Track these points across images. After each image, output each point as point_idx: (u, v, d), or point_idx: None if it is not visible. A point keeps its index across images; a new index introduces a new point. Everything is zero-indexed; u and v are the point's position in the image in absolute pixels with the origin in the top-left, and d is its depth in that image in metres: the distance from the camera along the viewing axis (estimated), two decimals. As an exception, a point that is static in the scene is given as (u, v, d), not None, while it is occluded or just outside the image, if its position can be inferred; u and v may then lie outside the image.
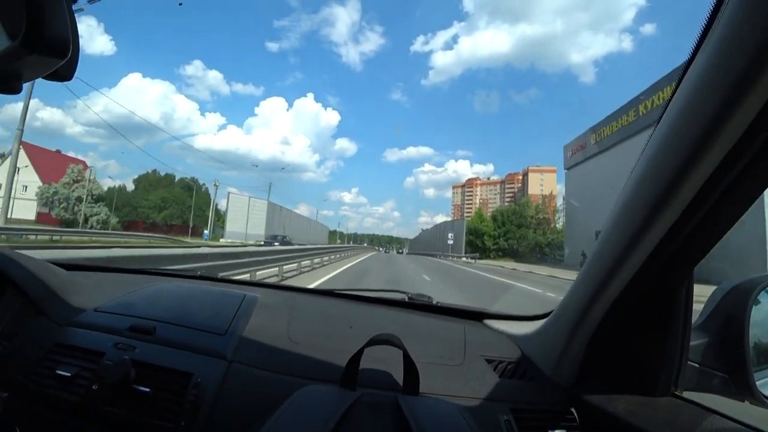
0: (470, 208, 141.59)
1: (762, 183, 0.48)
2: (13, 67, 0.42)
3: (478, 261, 37.32)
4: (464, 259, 40.60)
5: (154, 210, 53.88)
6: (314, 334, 0.92)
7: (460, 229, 51.88)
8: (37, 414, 0.78)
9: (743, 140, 0.43)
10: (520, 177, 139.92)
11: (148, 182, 57.75)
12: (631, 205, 0.55)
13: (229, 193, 45.04)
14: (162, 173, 60.02)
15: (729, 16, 0.40)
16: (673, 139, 0.48)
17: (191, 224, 48.11)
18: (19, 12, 0.39)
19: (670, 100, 0.49)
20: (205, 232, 42.45)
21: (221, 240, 36.78)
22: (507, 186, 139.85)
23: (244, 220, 41.42)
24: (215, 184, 45.78)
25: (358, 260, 20.30)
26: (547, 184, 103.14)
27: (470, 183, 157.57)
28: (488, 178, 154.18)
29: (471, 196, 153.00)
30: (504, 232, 52.35)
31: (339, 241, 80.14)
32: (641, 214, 0.53)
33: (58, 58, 0.41)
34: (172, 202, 54.42)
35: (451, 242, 47.29)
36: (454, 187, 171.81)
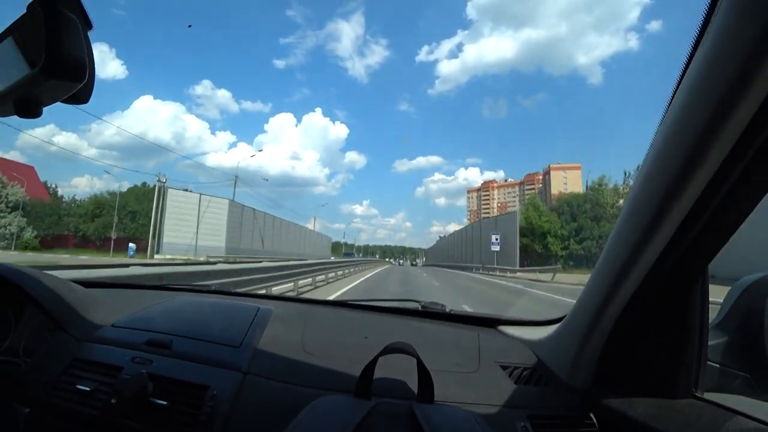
0: (487, 212, 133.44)
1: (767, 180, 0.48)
2: (34, 92, 0.45)
3: (557, 276, 19.24)
4: (518, 274, 23.22)
5: (84, 219, 39.78)
6: (328, 345, 0.93)
7: (510, 227, 33.04)
8: (57, 428, 0.80)
9: (747, 135, 0.43)
10: (540, 177, 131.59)
11: (134, 196, 50.09)
12: (639, 204, 0.55)
13: (163, 187, 28.33)
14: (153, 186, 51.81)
15: (723, 15, 0.41)
16: (676, 136, 0.48)
17: (114, 236, 34.96)
18: (39, 39, 0.42)
19: (672, 97, 0.49)
20: (131, 245, 30.73)
21: (156, 257, 25.85)
22: (527, 187, 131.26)
23: (191, 227, 27.89)
24: (159, 180, 28.59)
25: (355, 282, 13.13)
26: (571, 181, 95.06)
27: (486, 186, 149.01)
28: (505, 180, 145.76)
29: (488, 200, 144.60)
30: (576, 229, 36.41)
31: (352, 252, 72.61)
32: (650, 213, 0.53)
33: (76, 82, 0.44)
34: (108, 209, 39.37)
35: (496, 248, 30.97)
36: (468, 192, 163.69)
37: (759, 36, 0.37)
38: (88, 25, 0.45)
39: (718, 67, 0.41)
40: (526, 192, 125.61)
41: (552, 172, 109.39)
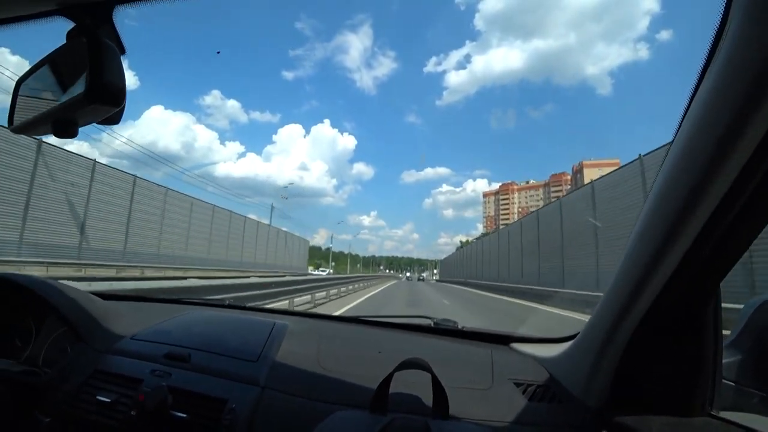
0: (506, 218, 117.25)
1: None
2: (73, 115, 0.47)
3: None
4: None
5: None
6: (344, 360, 0.93)
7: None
8: None
9: (759, 152, 0.42)
10: (569, 178, 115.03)
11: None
12: (652, 222, 0.55)
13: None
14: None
15: (736, 29, 0.40)
16: (689, 154, 0.48)
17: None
18: (79, 65, 0.44)
19: (685, 112, 0.49)
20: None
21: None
22: (552, 188, 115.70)
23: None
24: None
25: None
26: (609, 180, 78.87)
27: (505, 189, 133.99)
28: (527, 182, 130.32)
29: (507, 204, 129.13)
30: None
31: (327, 268, 56.80)
32: (663, 231, 0.53)
33: (114, 106, 0.46)
34: None
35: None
36: (485, 195, 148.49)
37: None
38: (123, 51, 0.47)
39: (731, 83, 0.41)
40: (553, 194, 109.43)
41: (585, 170, 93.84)
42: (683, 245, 0.52)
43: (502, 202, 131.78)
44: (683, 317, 0.63)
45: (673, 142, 0.50)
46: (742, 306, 0.82)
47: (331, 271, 61.07)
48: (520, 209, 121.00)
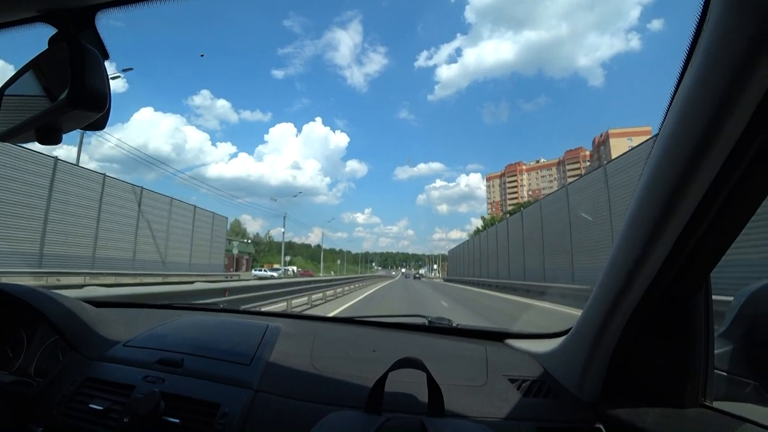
0: (515, 202, 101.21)
1: (764, 187, 0.48)
2: (57, 121, 0.47)
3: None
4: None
5: None
6: (338, 361, 0.93)
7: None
8: None
9: (741, 144, 0.43)
10: (587, 153, 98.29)
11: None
12: (640, 215, 0.56)
13: None
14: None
15: (714, 23, 0.40)
16: (673, 147, 0.48)
17: None
18: (62, 71, 0.44)
19: (669, 105, 0.49)
20: None
21: None
22: (568, 165, 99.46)
23: None
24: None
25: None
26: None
27: (512, 170, 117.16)
28: (537, 161, 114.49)
29: (515, 186, 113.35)
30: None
31: (287, 267, 41.27)
32: (650, 223, 0.53)
33: (97, 111, 0.46)
34: None
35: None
36: (488, 178, 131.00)
37: (754, 37, 0.37)
38: (106, 56, 0.47)
39: (712, 75, 0.41)
40: (569, 173, 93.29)
41: (612, 140, 77.84)
42: (671, 237, 0.52)
43: (509, 185, 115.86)
44: (674, 309, 0.64)
45: (658, 134, 0.50)
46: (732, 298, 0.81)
47: (296, 269, 45.75)
48: (530, 191, 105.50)
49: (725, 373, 0.72)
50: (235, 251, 30.09)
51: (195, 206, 27.41)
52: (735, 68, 0.38)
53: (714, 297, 0.66)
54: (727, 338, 0.76)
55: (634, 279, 0.59)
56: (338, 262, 78.38)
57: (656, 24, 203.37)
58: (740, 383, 0.72)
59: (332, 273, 62.18)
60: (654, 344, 0.68)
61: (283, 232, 36.39)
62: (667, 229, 0.52)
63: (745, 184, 0.47)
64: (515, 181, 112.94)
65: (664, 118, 0.50)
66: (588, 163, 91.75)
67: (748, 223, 0.52)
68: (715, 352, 0.67)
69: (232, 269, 38.61)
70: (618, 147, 71.19)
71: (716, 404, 0.65)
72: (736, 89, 0.39)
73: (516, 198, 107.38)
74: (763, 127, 0.42)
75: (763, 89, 0.39)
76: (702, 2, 0.42)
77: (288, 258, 43.59)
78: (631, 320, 0.65)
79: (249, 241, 58.95)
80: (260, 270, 38.28)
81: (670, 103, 0.48)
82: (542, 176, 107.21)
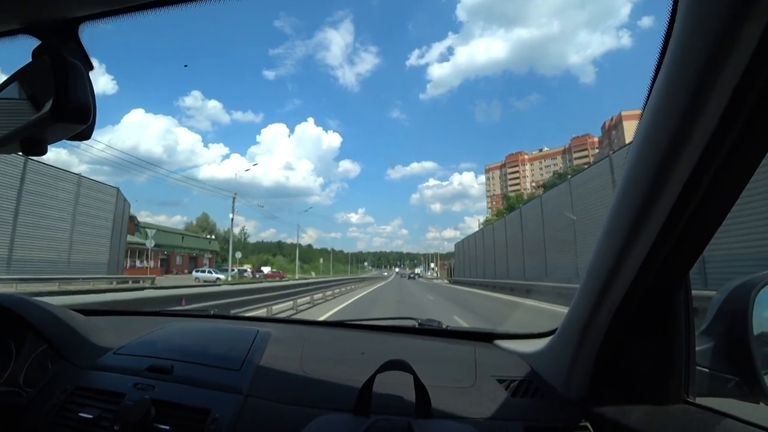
0: (517, 194, 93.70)
1: (739, 184, 0.49)
2: (41, 133, 0.47)
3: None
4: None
5: None
6: (327, 365, 0.93)
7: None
8: None
9: (713, 143, 0.44)
10: (596, 140, 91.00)
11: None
12: (619, 213, 0.57)
13: None
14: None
15: (682, 26, 0.41)
16: (649, 143, 0.49)
17: None
18: (45, 83, 0.44)
19: (645, 104, 0.50)
20: None
21: None
22: (575, 152, 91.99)
23: None
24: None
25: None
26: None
27: (513, 160, 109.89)
28: (540, 150, 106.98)
29: (516, 177, 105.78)
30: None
31: (235, 267, 32.55)
32: (630, 221, 0.54)
33: (81, 123, 0.46)
34: None
35: None
36: (487, 170, 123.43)
37: (714, 45, 0.38)
38: (90, 67, 0.48)
39: (682, 73, 0.42)
40: (576, 161, 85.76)
41: (625, 123, 70.87)
42: (650, 235, 0.53)
43: (510, 176, 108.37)
44: (655, 307, 0.65)
45: (636, 131, 0.51)
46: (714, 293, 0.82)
47: (249, 269, 37.28)
48: (533, 182, 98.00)
49: (707, 370, 0.73)
50: (150, 243, 21.66)
51: (80, 176, 18.66)
52: (704, 65, 0.39)
53: (695, 292, 0.67)
54: (708, 335, 0.77)
55: (616, 278, 0.60)
56: (321, 260, 69.33)
57: (646, 21, 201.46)
58: (722, 379, 0.73)
59: (312, 274, 53.95)
60: (637, 342, 0.69)
61: (232, 218, 28.06)
62: (645, 229, 0.52)
63: (720, 183, 0.48)
64: (517, 172, 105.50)
65: (641, 116, 0.50)
66: (597, 151, 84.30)
67: (728, 220, 0.52)
68: (697, 348, 0.68)
69: (166, 270, 29.59)
70: (632, 131, 64.12)
71: (699, 400, 0.66)
72: (705, 87, 0.40)
73: (518, 190, 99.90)
74: (736, 120, 0.42)
75: (736, 78, 0.38)
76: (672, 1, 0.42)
77: (239, 255, 34.83)
78: (615, 319, 0.65)
79: (211, 237, 50.51)
80: (203, 272, 29.97)
81: (645, 103, 0.49)
82: (546, 166, 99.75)
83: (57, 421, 0.81)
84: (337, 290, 14.99)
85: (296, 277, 37.01)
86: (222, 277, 27.94)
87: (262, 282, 13.71)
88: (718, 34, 0.37)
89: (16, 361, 0.97)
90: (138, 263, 31.54)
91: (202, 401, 0.80)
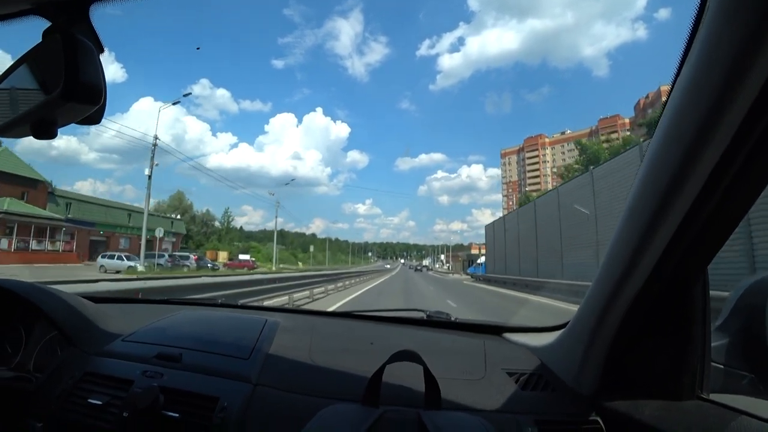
0: (536, 182, 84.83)
1: (761, 181, 0.48)
2: (51, 115, 0.46)
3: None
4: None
5: None
6: (335, 355, 0.94)
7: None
8: None
9: (738, 137, 0.43)
10: (626, 121, 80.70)
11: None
12: (637, 208, 0.56)
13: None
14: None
15: (711, 18, 0.41)
16: (671, 139, 0.48)
17: None
18: (56, 64, 0.43)
19: (666, 101, 0.50)
20: None
21: None
22: (603, 137, 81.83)
23: None
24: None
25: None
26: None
27: (532, 143, 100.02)
28: (562, 133, 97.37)
29: (536, 163, 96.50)
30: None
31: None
32: (648, 216, 0.54)
33: (92, 105, 0.46)
34: None
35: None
36: (503, 155, 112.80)
37: (745, 38, 0.37)
38: (101, 49, 0.47)
39: (708, 70, 0.41)
40: (604, 143, 75.84)
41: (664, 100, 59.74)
42: (671, 227, 0.52)
43: (528, 162, 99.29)
44: (671, 302, 0.64)
45: (656, 127, 0.51)
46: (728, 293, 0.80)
47: (192, 256, 29.49)
48: (556, 168, 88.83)
49: (722, 366, 0.72)
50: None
51: None
52: (729, 64, 0.38)
53: (711, 292, 0.65)
54: (723, 331, 0.76)
55: (631, 273, 0.59)
56: (311, 248, 61.43)
57: (663, 13, 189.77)
58: (737, 376, 0.72)
59: (300, 265, 47.41)
60: (651, 337, 0.68)
61: (148, 195, 20.78)
62: (664, 224, 0.52)
63: (742, 179, 0.47)
64: (536, 156, 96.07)
65: (662, 110, 0.49)
66: (629, 133, 74.39)
67: (749, 217, 0.51)
68: (712, 345, 0.67)
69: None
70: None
71: (713, 397, 0.65)
72: (734, 79, 0.39)
73: (538, 175, 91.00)
74: (763, 116, 0.41)
75: (763, 77, 0.38)
76: (698, 2, 0.41)
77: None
78: (629, 314, 0.64)
79: (176, 217, 43.89)
80: (111, 258, 23.17)
81: (668, 97, 0.48)
82: (569, 150, 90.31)
83: (66, 407, 0.82)
84: (317, 289, 10.74)
85: (273, 269, 29.95)
86: (132, 264, 21.27)
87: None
88: (749, 27, 0.36)
89: (26, 347, 0.98)
90: (48, 246, 25.38)
91: (210, 389, 0.80)
